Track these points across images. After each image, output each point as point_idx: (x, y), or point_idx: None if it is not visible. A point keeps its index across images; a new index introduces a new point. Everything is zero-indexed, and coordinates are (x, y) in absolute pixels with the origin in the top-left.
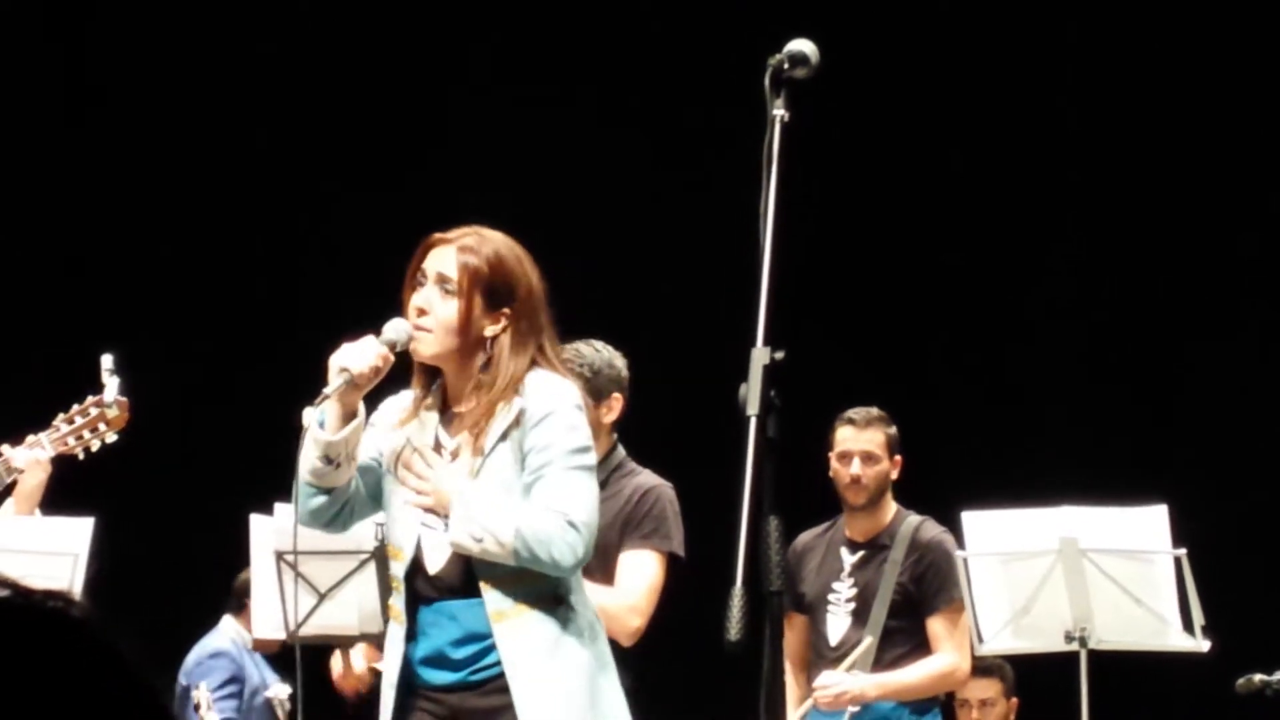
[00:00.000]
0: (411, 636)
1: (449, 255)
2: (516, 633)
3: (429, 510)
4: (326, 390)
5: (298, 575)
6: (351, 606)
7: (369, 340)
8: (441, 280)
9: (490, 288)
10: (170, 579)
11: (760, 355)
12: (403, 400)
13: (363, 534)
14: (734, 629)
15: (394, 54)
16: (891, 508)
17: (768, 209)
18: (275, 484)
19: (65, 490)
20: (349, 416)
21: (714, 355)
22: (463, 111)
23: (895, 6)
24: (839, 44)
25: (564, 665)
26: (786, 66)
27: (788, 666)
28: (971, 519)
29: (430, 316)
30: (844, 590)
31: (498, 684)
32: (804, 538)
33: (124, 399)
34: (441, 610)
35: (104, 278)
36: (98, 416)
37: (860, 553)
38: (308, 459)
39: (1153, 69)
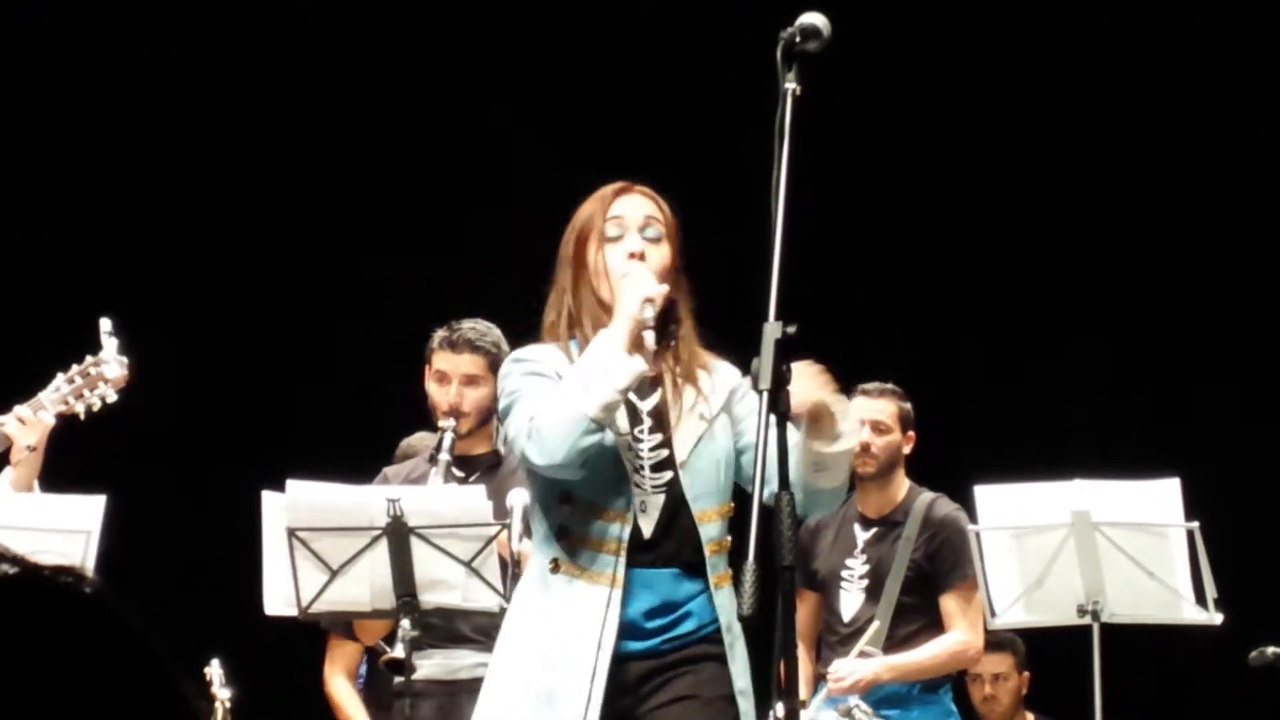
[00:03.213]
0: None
1: (643, 201)
2: (727, 598)
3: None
4: (647, 319)
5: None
6: (364, 582)
7: (648, 274)
8: (647, 224)
9: (678, 233)
10: (181, 557)
11: (772, 329)
12: (545, 351)
13: (375, 510)
14: (746, 603)
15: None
16: (904, 484)
17: (779, 182)
18: (286, 460)
19: (75, 468)
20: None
21: (727, 329)
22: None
23: None
24: (853, 14)
25: None
26: (798, 40)
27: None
28: (984, 493)
29: (649, 263)
30: (857, 567)
31: (683, 654)
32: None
33: (124, 358)
34: (642, 578)
35: (115, 251)
36: (98, 376)
37: (874, 529)
38: (605, 392)
39: (1167, 47)
